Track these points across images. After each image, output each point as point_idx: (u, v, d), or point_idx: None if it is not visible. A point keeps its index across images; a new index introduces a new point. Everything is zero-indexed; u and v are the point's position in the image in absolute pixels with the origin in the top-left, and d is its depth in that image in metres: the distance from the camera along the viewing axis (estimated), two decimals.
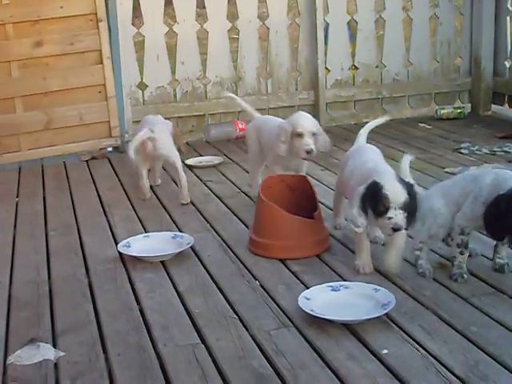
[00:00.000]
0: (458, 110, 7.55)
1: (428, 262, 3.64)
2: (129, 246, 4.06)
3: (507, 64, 7.61)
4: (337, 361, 2.84)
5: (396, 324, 3.10)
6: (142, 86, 6.91)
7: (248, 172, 5.26)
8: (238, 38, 7.14)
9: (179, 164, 5.02)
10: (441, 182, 3.87)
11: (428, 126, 7.21)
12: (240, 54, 7.12)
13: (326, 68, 7.31)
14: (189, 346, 3.01)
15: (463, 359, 2.83)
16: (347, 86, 7.44)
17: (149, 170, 5.23)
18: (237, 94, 6.93)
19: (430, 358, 2.85)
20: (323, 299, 3.25)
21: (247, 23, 7.08)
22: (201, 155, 6.29)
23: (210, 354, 2.95)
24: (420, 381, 2.69)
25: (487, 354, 2.86)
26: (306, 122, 4.54)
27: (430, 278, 3.56)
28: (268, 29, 7.17)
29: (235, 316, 3.25)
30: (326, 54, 7.26)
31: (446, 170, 5.52)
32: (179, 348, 3.01)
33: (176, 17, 6.94)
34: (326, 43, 7.27)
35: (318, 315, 3.10)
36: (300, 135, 4.45)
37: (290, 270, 3.72)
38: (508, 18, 7.51)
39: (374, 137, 6.70)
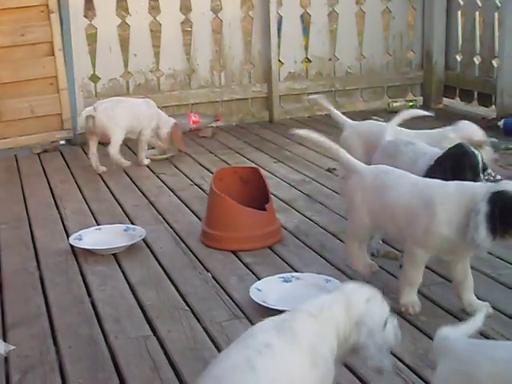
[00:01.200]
0: (410, 103, 7.61)
1: (378, 243, 3.71)
2: (80, 239, 4.04)
3: (458, 58, 7.69)
4: None
5: None
6: (95, 79, 6.85)
7: (202, 165, 5.26)
8: (191, 31, 7.11)
9: (113, 141, 5.49)
10: None
11: (380, 119, 7.25)
12: (193, 47, 7.09)
13: (280, 61, 7.31)
14: (140, 338, 3.01)
15: (413, 348, 2.87)
16: (300, 79, 7.45)
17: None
18: (190, 87, 6.94)
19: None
20: (275, 290, 3.27)
21: (200, 16, 7.05)
22: (154, 148, 6.25)
23: (162, 346, 2.96)
24: (369, 369, 2.72)
25: None
26: (478, 130, 4.00)
27: (379, 255, 3.69)
28: (221, 21, 7.15)
29: (187, 308, 3.26)
30: (279, 47, 7.26)
31: None
32: (131, 340, 3.01)
33: (129, 9, 6.88)
34: (279, 36, 7.28)
35: (269, 306, 3.12)
36: (479, 145, 3.80)
37: (242, 262, 3.73)
38: (459, 13, 7.59)
39: (327, 129, 6.76)
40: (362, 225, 3.24)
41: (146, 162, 5.79)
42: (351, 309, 2.15)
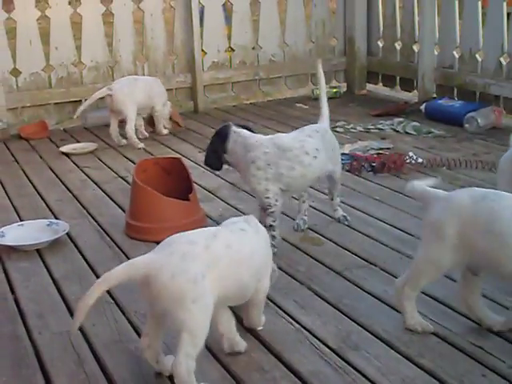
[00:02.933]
0: (334, 90, 7.68)
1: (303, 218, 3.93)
2: (3, 236, 3.98)
3: (380, 44, 7.79)
4: (211, 339, 2.86)
5: (271, 300, 3.15)
6: (15, 73, 6.72)
7: (126, 157, 5.23)
8: (112, 22, 7.04)
9: (129, 118, 5.84)
10: None
11: (305, 106, 7.31)
12: (115, 38, 7.00)
13: (203, 50, 7.29)
14: (64, 333, 2.99)
15: (336, 331, 2.92)
16: (224, 68, 7.44)
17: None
18: (113, 79, 6.86)
19: (304, 331, 2.93)
20: None
21: (122, 7, 6.98)
22: (78, 141, 6.20)
23: (87, 340, 2.95)
24: (293, 354, 2.76)
25: (359, 325, 2.96)
26: None
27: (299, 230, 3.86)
28: (143, 12, 7.09)
29: (111, 300, 3.24)
30: (201, 37, 7.23)
31: None
32: (55, 335, 2.99)
33: (49, 1, 6.77)
34: (201, 26, 7.25)
35: None
36: None
37: None
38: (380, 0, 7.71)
39: (252, 117, 6.82)
40: (448, 263, 2.75)
41: (165, 131, 6.28)
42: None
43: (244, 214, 4.20)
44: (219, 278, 2.48)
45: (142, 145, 5.88)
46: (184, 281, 2.38)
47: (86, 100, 6.17)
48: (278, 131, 6.13)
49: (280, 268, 3.44)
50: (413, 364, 2.68)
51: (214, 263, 2.47)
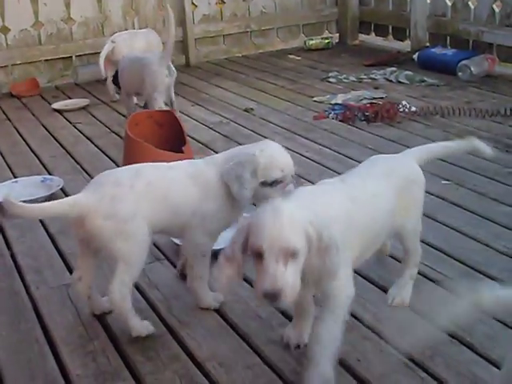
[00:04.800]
0: (326, 41, 7.63)
1: None
2: None
3: None
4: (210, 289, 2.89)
5: None
6: (4, 30, 6.65)
7: (119, 112, 5.19)
8: None
9: None
10: None
11: (297, 58, 7.27)
12: None
13: (193, 3, 7.23)
14: (62, 287, 3.01)
15: None
16: (215, 21, 7.38)
17: None
18: (103, 35, 6.80)
19: None
20: None
21: None
22: (70, 98, 6.16)
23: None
24: None
25: (355, 272, 2.96)
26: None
27: None
28: None
29: None
30: None
31: (315, 98, 5.62)
32: (52, 290, 3.00)
33: None
34: None
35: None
36: None
37: None
38: None
39: (245, 70, 6.79)
40: None
41: None
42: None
43: None
44: (148, 212, 2.58)
45: None
46: (116, 222, 2.52)
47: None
48: (271, 83, 6.16)
49: None
50: (408, 309, 2.69)
51: (139, 201, 2.57)
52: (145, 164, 2.77)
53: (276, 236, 1.99)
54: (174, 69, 4.94)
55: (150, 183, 2.63)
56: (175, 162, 2.82)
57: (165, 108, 4.78)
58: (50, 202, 2.57)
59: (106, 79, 5.97)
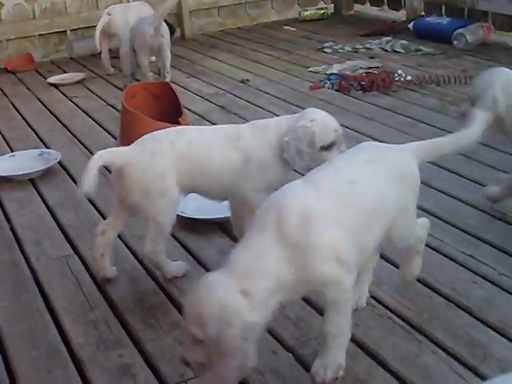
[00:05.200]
0: (321, 11, 7.61)
1: None
2: None
3: None
4: (208, 257, 2.92)
5: None
6: None
7: (115, 85, 5.17)
8: None
9: (124, 40, 5.43)
10: None
11: (292, 29, 7.26)
12: None
13: None
14: (62, 258, 3.03)
15: None
16: None
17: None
18: (97, 8, 6.77)
19: None
20: (192, 201, 3.27)
21: None
22: (65, 72, 6.16)
23: (84, 264, 2.98)
24: None
25: None
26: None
27: None
28: None
29: None
30: None
31: (310, 69, 5.62)
32: (52, 261, 3.03)
33: None
34: None
35: (188, 216, 3.16)
36: None
37: None
38: None
39: (240, 42, 6.79)
40: None
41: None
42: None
43: None
44: (182, 172, 2.68)
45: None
46: (152, 175, 2.62)
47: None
48: (267, 54, 6.15)
49: None
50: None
51: (178, 159, 2.67)
52: (188, 126, 2.94)
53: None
54: (164, 31, 5.19)
55: (191, 143, 2.73)
56: (218, 126, 2.97)
57: (148, 69, 5.23)
58: (100, 152, 2.66)
59: (100, 52, 5.97)
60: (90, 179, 2.58)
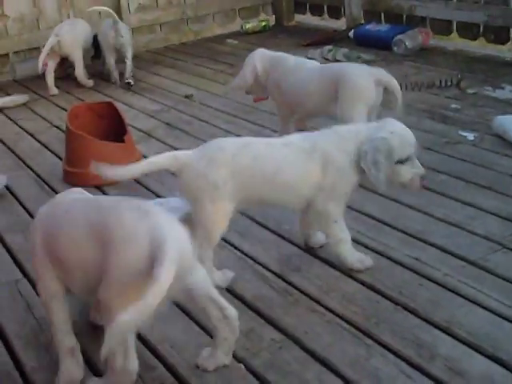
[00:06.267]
0: (263, 23, 7.68)
1: None
2: None
3: None
4: None
5: None
6: None
7: (59, 106, 5.17)
8: None
9: (78, 60, 5.94)
10: None
11: (235, 42, 7.31)
12: None
13: None
14: (12, 282, 3.02)
15: (277, 255, 3.01)
16: (151, 9, 7.34)
17: None
18: (39, 30, 6.75)
19: (247, 258, 3.01)
20: None
21: None
22: (9, 95, 6.11)
23: (34, 287, 2.95)
24: (238, 280, 2.84)
25: (299, 248, 3.04)
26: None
27: None
28: None
29: None
30: None
31: None
32: (2, 285, 3.01)
33: None
34: None
35: None
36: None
37: (108, 195, 3.75)
38: None
39: (183, 57, 6.82)
40: None
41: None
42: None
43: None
44: (241, 186, 2.66)
45: (91, 82, 6.07)
46: (205, 183, 2.62)
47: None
48: (210, 68, 6.19)
49: None
50: (352, 280, 2.78)
51: (240, 172, 2.65)
52: (258, 138, 2.88)
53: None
54: (123, 32, 5.81)
55: (257, 158, 2.70)
56: (289, 138, 2.86)
57: (114, 68, 5.92)
58: (156, 157, 2.68)
59: (43, 74, 5.96)
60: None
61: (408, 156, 2.72)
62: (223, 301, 2.24)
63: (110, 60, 5.96)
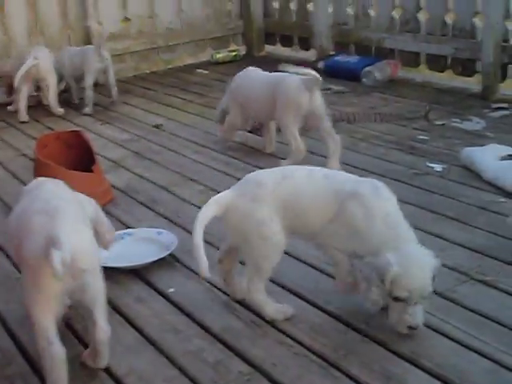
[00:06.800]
0: (233, 53, 7.72)
1: None
2: None
3: (275, 5, 7.84)
4: (126, 306, 2.91)
5: (181, 263, 3.22)
6: None
7: (28, 134, 5.12)
8: (3, 0, 6.86)
9: (52, 84, 5.95)
10: None
11: (205, 71, 7.33)
12: (7, 16, 6.84)
13: (99, 22, 7.21)
14: None
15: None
16: (122, 39, 7.32)
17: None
18: (8, 56, 6.72)
19: (215, 289, 2.99)
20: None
21: None
22: None
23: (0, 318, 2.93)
24: (205, 312, 2.83)
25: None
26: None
27: None
28: None
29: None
30: (96, 9, 7.16)
31: None
32: None
33: None
34: None
35: (104, 265, 3.14)
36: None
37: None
38: None
39: (153, 86, 6.83)
40: None
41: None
42: None
43: (150, 181, 4.28)
44: (287, 218, 2.63)
45: (62, 111, 6.04)
46: (253, 222, 2.62)
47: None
48: (180, 97, 6.20)
49: (187, 231, 3.50)
50: (320, 311, 2.77)
51: (283, 204, 2.62)
52: (298, 168, 2.83)
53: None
54: (106, 57, 5.99)
55: (296, 189, 2.65)
56: (332, 171, 2.84)
57: (91, 89, 6.04)
58: (200, 213, 2.63)
59: (9, 103, 5.96)
60: (204, 259, 2.61)
61: (405, 298, 2.51)
62: (101, 318, 2.40)
63: (90, 81, 6.01)
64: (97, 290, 2.39)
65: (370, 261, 2.53)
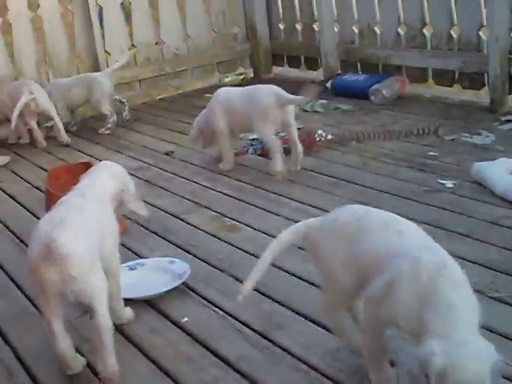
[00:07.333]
0: (241, 77, 7.77)
1: None
2: None
3: (281, 26, 7.89)
4: (139, 336, 2.92)
5: (194, 291, 3.22)
6: None
7: (40, 167, 5.15)
8: (11, 32, 6.94)
9: (55, 115, 6.06)
10: None
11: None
12: (15, 48, 6.93)
13: (106, 51, 7.26)
14: None
15: (258, 313, 2.99)
16: (129, 67, 7.34)
17: None
18: None
19: (228, 317, 2.99)
20: (122, 279, 3.28)
21: (19, 15, 6.90)
22: None
23: (16, 354, 2.94)
24: (220, 341, 2.83)
25: (280, 304, 3.04)
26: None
27: None
28: (41, 19, 7.02)
29: (38, 312, 3.23)
30: (103, 38, 7.21)
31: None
32: None
33: None
34: (101, 27, 7.20)
35: None
36: None
37: None
38: None
39: (162, 113, 6.86)
40: None
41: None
42: None
43: (162, 210, 4.29)
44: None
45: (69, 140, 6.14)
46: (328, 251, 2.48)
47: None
48: (190, 123, 6.19)
49: (199, 258, 3.53)
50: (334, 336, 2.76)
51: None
52: (379, 213, 2.53)
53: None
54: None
55: (361, 228, 2.43)
56: (408, 229, 2.51)
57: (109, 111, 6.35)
58: (279, 239, 2.59)
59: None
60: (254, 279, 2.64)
61: None
62: (102, 307, 2.57)
63: (107, 105, 6.35)
64: (94, 294, 2.56)
65: (411, 354, 2.06)
